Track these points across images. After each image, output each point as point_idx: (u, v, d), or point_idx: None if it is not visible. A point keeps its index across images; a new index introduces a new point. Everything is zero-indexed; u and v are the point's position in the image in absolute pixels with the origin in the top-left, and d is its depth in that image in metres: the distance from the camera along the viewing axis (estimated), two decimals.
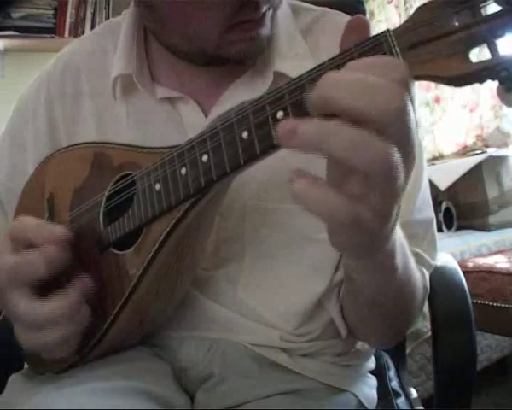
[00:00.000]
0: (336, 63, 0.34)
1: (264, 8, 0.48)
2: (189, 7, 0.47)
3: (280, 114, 0.35)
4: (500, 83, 0.31)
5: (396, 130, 0.30)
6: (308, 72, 0.35)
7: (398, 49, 0.32)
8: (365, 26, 0.35)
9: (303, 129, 0.30)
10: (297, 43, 0.57)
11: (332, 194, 0.30)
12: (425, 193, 0.59)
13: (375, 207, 0.31)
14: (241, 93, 0.54)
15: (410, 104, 0.30)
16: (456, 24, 0.32)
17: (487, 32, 0.31)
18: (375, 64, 0.31)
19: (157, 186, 0.44)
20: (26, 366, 0.57)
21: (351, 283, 0.51)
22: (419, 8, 0.33)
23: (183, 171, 0.41)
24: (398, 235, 0.42)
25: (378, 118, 0.29)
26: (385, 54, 0.33)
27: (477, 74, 0.31)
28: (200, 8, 0.47)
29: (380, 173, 0.30)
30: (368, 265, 0.43)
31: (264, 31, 0.50)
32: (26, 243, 0.45)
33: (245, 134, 0.37)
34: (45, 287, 0.44)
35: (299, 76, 0.35)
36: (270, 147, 0.36)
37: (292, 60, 0.55)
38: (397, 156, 0.29)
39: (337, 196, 0.31)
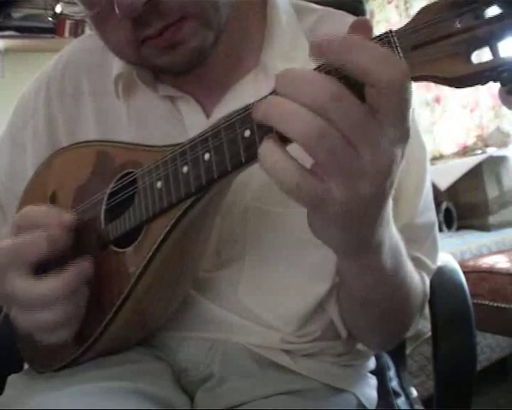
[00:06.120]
0: None
1: (161, 25, 0.46)
2: (101, 25, 0.47)
3: None
4: (502, 85, 0.31)
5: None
6: None
7: (400, 50, 0.33)
8: (369, 28, 0.35)
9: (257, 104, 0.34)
10: (300, 44, 0.57)
11: (285, 158, 0.33)
12: (427, 196, 0.59)
13: (330, 193, 0.33)
14: (244, 94, 0.54)
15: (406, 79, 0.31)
16: (459, 26, 0.32)
17: (489, 34, 0.31)
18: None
19: (158, 184, 0.44)
20: (25, 366, 0.57)
21: (342, 283, 0.52)
22: (422, 10, 0.33)
23: (185, 169, 0.41)
24: (390, 238, 0.43)
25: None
26: None
27: (479, 75, 0.31)
28: (106, 28, 0.47)
29: (317, 149, 0.31)
30: (354, 264, 0.44)
31: (191, 42, 0.48)
32: (32, 227, 0.45)
33: (247, 133, 0.37)
34: (45, 273, 0.45)
35: None
36: None
37: (295, 61, 0.54)
38: (336, 142, 0.31)
39: (292, 163, 0.32)
